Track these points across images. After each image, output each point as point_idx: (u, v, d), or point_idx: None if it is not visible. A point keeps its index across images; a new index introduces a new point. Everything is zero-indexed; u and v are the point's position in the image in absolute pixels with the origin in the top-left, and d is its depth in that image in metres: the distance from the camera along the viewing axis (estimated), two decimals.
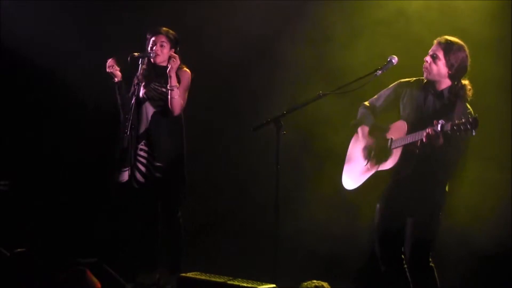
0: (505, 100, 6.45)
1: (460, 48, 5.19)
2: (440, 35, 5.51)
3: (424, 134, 4.99)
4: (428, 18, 6.61)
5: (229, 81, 7.56)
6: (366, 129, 5.53)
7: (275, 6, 7.41)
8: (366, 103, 5.61)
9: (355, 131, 5.65)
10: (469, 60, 5.23)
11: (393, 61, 5.37)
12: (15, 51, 7.61)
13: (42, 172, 7.77)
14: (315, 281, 4.41)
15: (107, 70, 6.18)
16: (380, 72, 5.34)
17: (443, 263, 5.53)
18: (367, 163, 5.46)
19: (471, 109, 5.17)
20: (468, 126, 4.75)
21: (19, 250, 5.64)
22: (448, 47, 5.18)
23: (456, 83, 5.23)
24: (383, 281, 5.46)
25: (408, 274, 5.31)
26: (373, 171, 5.36)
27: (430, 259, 5.25)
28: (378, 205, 5.45)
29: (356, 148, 5.66)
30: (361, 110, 5.62)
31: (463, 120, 4.81)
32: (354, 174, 5.57)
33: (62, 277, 4.62)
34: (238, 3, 7.38)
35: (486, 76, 6.21)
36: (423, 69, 5.30)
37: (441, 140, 4.94)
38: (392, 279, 5.38)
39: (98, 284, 4.65)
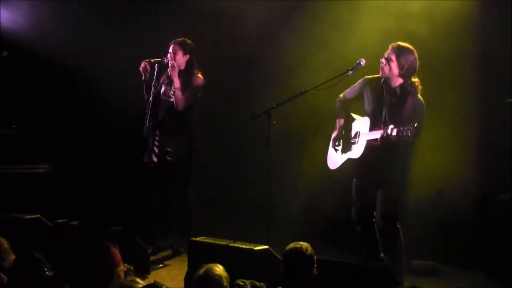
0: (469, 79, 6.89)
1: (410, 52, 5.70)
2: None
3: (379, 136, 5.62)
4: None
5: (232, 79, 8.08)
6: (342, 121, 6.10)
7: (275, 7, 7.76)
8: (341, 95, 6.11)
9: (335, 122, 6.17)
10: (417, 62, 5.71)
11: (362, 63, 5.94)
12: (51, 56, 8.17)
13: (77, 157, 8.35)
14: (300, 242, 4.51)
15: (140, 68, 6.73)
16: (351, 72, 5.94)
17: (409, 229, 6.11)
18: (339, 150, 6.09)
19: (421, 99, 5.69)
20: (409, 134, 5.34)
21: (59, 221, 6.39)
22: (400, 51, 5.69)
23: (406, 81, 5.72)
24: (358, 238, 6.06)
25: (378, 234, 5.90)
26: (344, 159, 6.00)
27: (398, 222, 5.81)
28: (354, 180, 6.02)
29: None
30: (337, 103, 6.13)
31: (406, 127, 5.36)
32: (333, 157, 6.19)
33: (85, 254, 4.45)
34: (240, 5, 7.77)
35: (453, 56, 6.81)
36: (380, 69, 5.78)
37: (393, 138, 5.53)
38: (365, 237, 6.00)
39: (119, 257, 4.41)
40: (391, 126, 5.54)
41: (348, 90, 6.14)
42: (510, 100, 6.69)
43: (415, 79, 5.77)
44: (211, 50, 7.84)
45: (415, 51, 5.76)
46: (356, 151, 5.93)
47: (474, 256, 6.65)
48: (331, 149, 6.27)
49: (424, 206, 6.82)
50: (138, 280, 4.12)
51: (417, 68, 5.78)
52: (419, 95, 5.75)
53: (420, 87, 5.76)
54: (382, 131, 5.63)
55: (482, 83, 6.96)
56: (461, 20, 6.84)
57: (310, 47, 7.62)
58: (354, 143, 5.98)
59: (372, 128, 5.82)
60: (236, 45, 7.96)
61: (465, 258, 6.71)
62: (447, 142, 6.74)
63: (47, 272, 4.61)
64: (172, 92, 6.86)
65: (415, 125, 5.37)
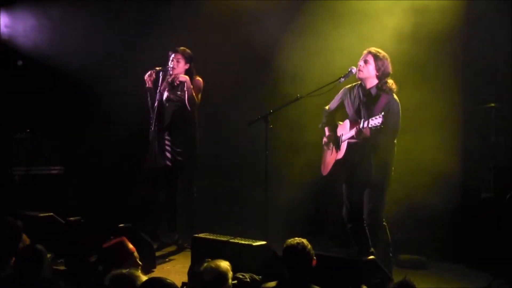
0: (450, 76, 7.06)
1: (384, 56, 6.02)
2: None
3: (353, 132, 5.93)
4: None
5: (232, 84, 8.23)
6: (328, 129, 6.40)
7: (279, 13, 7.89)
8: (326, 107, 6.41)
9: (323, 131, 6.46)
10: (390, 66, 6.00)
11: (353, 71, 6.12)
12: (64, 65, 8.36)
13: (88, 159, 8.55)
14: (297, 238, 4.59)
15: (146, 77, 7.06)
16: (343, 79, 6.18)
17: (397, 226, 6.42)
18: (331, 155, 6.36)
19: (397, 99, 5.93)
20: (378, 123, 5.61)
21: (72, 218, 6.55)
22: (376, 55, 6.01)
23: (380, 81, 6.00)
24: (349, 235, 6.31)
25: (367, 230, 6.12)
26: (333, 162, 6.28)
27: (384, 219, 6.07)
28: (343, 184, 6.30)
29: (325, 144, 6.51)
30: (324, 114, 6.46)
31: (374, 118, 5.62)
32: (326, 163, 6.46)
33: (104, 248, 4.72)
34: (245, 13, 7.91)
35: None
36: (357, 71, 6.05)
37: (367, 132, 5.80)
38: (355, 233, 6.25)
39: (134, 249, 4.79)
40: (362, 120, 5.82)
41: (332, 101, 6.43)
42: (492, 105, 6.99)
43: (389, 80, 6.05)
44: (214, 56, 8.00)
45: (388, 56, 6.06)
46: (340, 152, 6.22)
47: (459, 251, 6.92)
48: (324, 157, 6.53)
49: (412, 205, 7.03)
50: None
51: (391, 72, 6.06)
52: (394, 95, 6.00)
53: (394, 86, 6.01)
54: (354, 128, 5.92)
55: (467, 89, 7.19)
56: (446, 26, 7.01)
57: (314, 53, 7.67)
58: (339, 145, 6.26)
59: (351, 128, 6.11)
60: (238, 51, 8.14)
61: (450, 253, 6.98)
62: (433, 144, 6.96)
63: (60, 267, 4.78)
64: (178, 94, 7.13)
65: (382, 114, 5.63)
